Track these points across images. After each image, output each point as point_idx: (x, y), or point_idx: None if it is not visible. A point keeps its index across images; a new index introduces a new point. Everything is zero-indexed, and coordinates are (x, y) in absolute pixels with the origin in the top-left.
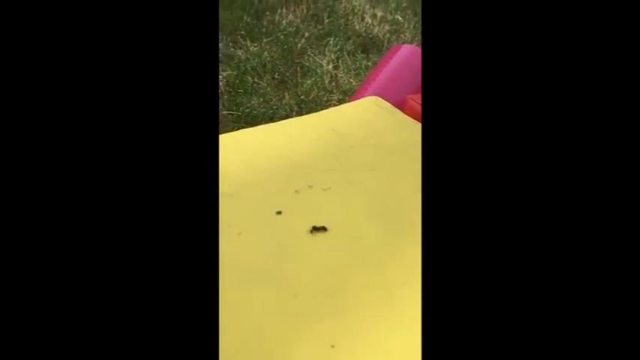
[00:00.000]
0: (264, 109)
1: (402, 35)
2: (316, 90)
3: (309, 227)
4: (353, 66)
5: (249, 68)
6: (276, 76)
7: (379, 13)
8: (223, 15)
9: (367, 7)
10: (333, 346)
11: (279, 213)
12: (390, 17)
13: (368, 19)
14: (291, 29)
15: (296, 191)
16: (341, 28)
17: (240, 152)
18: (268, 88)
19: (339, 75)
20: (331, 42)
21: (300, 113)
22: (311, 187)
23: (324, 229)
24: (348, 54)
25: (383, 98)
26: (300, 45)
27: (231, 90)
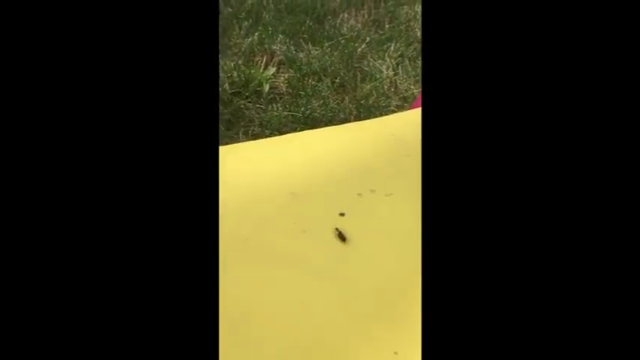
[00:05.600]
0: (323, 112)
1: None
2: (375, 95)
3: (372, 231)
4: (413, 72)
5: (310, 71)
6: (336, 80)
7: None
8: (286, 18)
9: None
10: (396, 353)
11: (342, 215)
12: None
13: None
14: (352, 34)
15: (359, 194)
16: (402, 34)
17: (303, 152)
18: (328, 92)
19: (399, 81)
20: (392, 47)
21: (358, 117)
22: (373, 191)
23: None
24: (409, 60)
25: None
26: (360, 50)
27: (292, 91)
